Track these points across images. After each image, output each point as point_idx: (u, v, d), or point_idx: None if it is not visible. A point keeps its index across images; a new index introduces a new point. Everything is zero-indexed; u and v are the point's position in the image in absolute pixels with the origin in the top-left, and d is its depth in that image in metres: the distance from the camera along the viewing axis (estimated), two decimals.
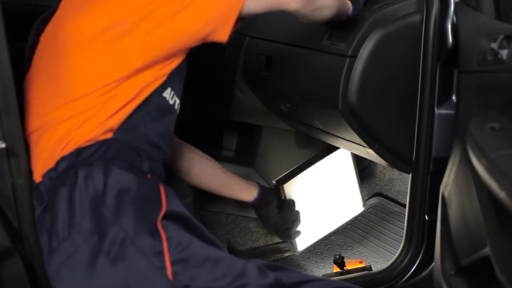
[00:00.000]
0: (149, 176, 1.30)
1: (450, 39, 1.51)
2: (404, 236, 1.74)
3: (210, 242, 1.27)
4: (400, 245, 1.76)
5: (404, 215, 1.74)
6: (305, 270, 2.00)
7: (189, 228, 1.25)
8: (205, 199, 2.08)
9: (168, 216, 1.23)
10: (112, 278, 1.17)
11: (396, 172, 2.36)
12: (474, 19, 1.43)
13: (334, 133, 1.76)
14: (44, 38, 1.43)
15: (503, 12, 1.42)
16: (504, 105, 1.25)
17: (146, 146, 1.31)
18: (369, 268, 1.83)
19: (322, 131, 1.82)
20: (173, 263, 1.18)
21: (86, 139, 1.26)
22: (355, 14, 1.56)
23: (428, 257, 1.70)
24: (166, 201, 1.25)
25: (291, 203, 1.89)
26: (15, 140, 1.25)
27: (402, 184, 2.35)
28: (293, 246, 2.03)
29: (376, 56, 1.50)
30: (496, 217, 1.18)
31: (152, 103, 1.32)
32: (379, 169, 2.42)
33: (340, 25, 1.59)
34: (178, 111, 1.42)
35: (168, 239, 1.20)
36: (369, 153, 1.70)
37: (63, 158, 1.26)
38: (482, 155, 1.12)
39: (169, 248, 1.19)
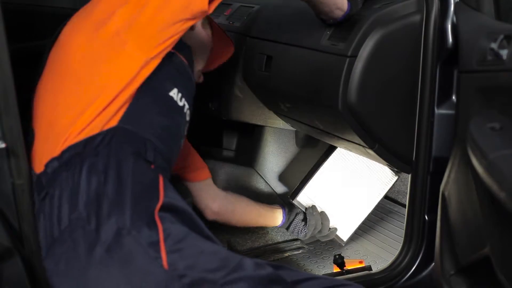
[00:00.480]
0: (153, 166, 1.31)
1: (450, 39, 1.51)
2: (404, 236, 1.74)
3: (207, 237, 1.27)
4: (400, 245, 1.76)
5: (404, 215, 1.74)
6: (305, 270, 2.00)
7: (186, 221, 1.26)
8: None
9: (166, 208, 1.24)
10: (109, 269, 1.17)
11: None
12: (474, 19, 1.43)
13: (334, 133, 1.76)
14: (58, 44, 1.47)
15: (503, 12, 1.43)
16: (504, 105, 1.25)
17: (153, 138, 1.34)
18: (369, 268, 1.83)
19: (322, 131, 1.82)
20: (168, 253, 1.18)
21: (92, 127, 1.28)
22: (355, 14, 1.55)
23: (428, 257, 1.70)
24: (164, 193, 1.26)
25: (312, 209, 1.96)
26: (15, 140, 1.25)
27: (402, 184, 2.35)
28: (338, 240, 2.04)
29: (376, 56, 1.50)
30: (496, 217, 1.19)
31: (158, 97, 1.37)
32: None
33: (339, 25, 1.59)
34: (188, 118, 1.49)
35: (164, 230, 1.20)
36: (369, 153, 1.70)
37: (69, 148, 1.28)
38: (482, 155, 1.12)
39: (165, 239, 1.19)
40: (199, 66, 1.71)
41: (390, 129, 1.62)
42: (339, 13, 1.54)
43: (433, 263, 1.65)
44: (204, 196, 1.85)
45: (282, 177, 2.45)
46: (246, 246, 2.16)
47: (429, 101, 1.57)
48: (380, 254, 2.05)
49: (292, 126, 2.11)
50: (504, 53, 1.24)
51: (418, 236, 1.70)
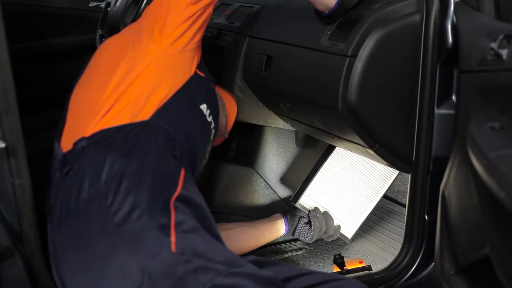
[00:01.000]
0: (177, 160, 1.37)
1: (450, 39, 1.51)
2: (404, 236, 1.74)
3: (216, 237, 1.30)
4: (400, 245, 1.76)
5: (404, 215, 1.74)
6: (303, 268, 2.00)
7: (199, 216, 1.29)
8: (205, 199, 2.08)
9: (182, 199, 1.28)
10: (117, 244, 1.20)
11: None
12: (474, 19, 1.43)
13: (334, 133, 1.76)
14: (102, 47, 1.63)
15: (503, 12, 1.42)
16: (504, 105, 1.25)
17: (181, 138, 1.41)
18: (369, 268, 1.83)
19: (322, 131, 1.82)
20: (178, 238, 1.21)
21: (123, 115, 1.36)
22: (354, 13, 1.56)
23: (428, 257, 1.70)
24: (182, 185, 1.31)
25: (315, 212, 1.96)
26: (15, 140, 1.25)
27: (402, 184, 2.34)
28: (342, 238, 2.04)
29: (376, 56, 1.50)
30: (496, 217, 1.18)
31: (191, 105, 1.48)
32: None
33: (339, 25, 1.59)
34: (212, 138, 1.60)
35: (176, 217, 1.24)
36: (369, 153, 1.70)
37: (101, 131, 1.34)
38: (482, 154, 1.12)
39: (176, 225, 1.22)
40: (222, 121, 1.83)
41: (390, 129, 1.62)
42: (331, 0, 1.55)
43: (433, 263, 1.65)
44: None
45: (282, 177, 2.45)
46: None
47: (429, 101, 1.57)
48: (380, 254, 2.05)
49: (292, 126, 2.11)
50: (504, 52, 1.24)
51: (418, 236, 1.70)
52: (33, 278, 1.34)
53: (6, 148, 1.26)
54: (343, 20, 1.59)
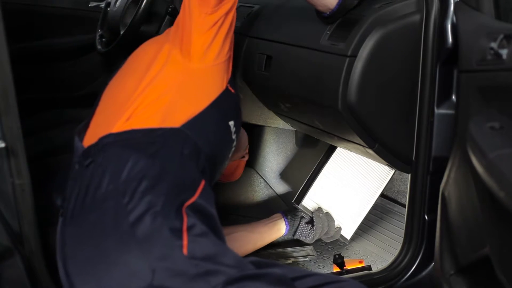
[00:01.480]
0: (199, 171, 1.39)
1: (450, 39, 1.51)
2: (404, 236, 1.74)
3: (224, 241, 1.32)
4: (400, 245, 1.76)
5: (404, 215, 1.74)
6: (304, 269, 2.00)
7: (210, 225, 1.29)
8: None
9: (195, 207, 1.29)
10: (129, 243, 1.20)
11: (396, 172, 2.36)
12: (474, 19, 1.43)
13: (334, 133, 1.76)
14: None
15: (503, 12, 1.42)
16: (504, 105, 1.25)
17: (207, 150, 1.43)
18: (369, 268, 1.83)
19: (322, 131, 1.82)
20: (189, 242, 1.22)
21: (153, 117, 1.38)
22: (354, 13, 1.56)
23: (428, 257, 1.70)
24: (199, 194, 1.32)
25: (318, 212, 1.95)
26: (15, 140, 1.25)
27: (402, 184, 2.34)
28: (342, 239, 2.04)
29: (376, 55, 1.50)
30: (496, 217, 1.18)
31: (221, 121, 1.50)
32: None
33: (339, 24, 1.59)
34: (230, 155, 1.62)
35: (188, 221, 1.24)
36: (369, 153, 1.70)
37: (131, 131, 1.35)
38: (482, 154, 1.12)
39: (188, 229, 1.23)
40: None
41: (390, 129, 1.62)
42: (331, 1, 1.55)
43: (433, 263, 1.65)
44: None
45: (282, 177, 2.45)
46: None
47: (429, 101, 1.57)
48: (380, 254, 2.05)
49: (292, 126, 2.11)
50: (504, 52, 1.24)
51: (418, 236, 1.70)
52: (33, 278, 1.34)
53: (6, 148, 1.26)
54: (343, 20, 1.59)
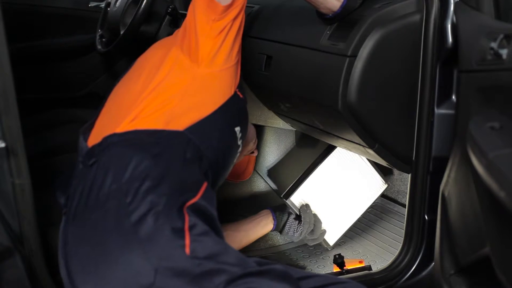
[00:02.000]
0: (202, 174, 1.39)
1: (450, 39, 1.51)
2: (404, 236, 1.74)
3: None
4: (400, 245, 1.76)
5: (404, 215, 1.74)
6: (305, 270, 2.00)
7: (210, 225, 1.30)
8: None
9: (196, 207, 1.29)
10: (131, 242, 1.21)
11: (396, 172, 2.36)
12: (474, 19, 1.43)
13: (334, 133, 1.76)
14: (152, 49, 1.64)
15: (503, 12, 1.42)
16: (504, 104, 1.25)
17: (210, 155, 1.42)
18: (369, 268, 1.83)
19: (322, 131, 1.82)
20: (192, 241, 1.22)
21: (156, 118, 1.38)
22: (354, 10, 1.55)
23: (428, 257, 1.70)
24: (201, 195, 1.32)
25: (306, 208, 1.95)
26: (15, 140, 1.26)
27: (402, 184, 2.34)
28: (324, 244, 2.04)
29: (376, 55, 1.50)
30: (496, 217, 1.18)
31: (227, 127, 1.50)
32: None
33: (339, 24, 1.59)
34: (235, 161, 1.60)
35: (190, 221, 1.25)
36: (369, 153, 1.70)
37: (135, 131, 1.36)
38: (482, 154, 1.12)
39: (190, 228, 1.23)
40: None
41: (390, 129, 1.62)
42: (334, 3, 1.55)
43: (433, 263, 1.65)
44: None
45: (282, 177, 2.45)
46: (246, 248, 2.15)
47: (429, 101, 1.57)
48: (380, 254, 2.05)
49: (292, 126, 2.11)
50: (504, 52, 1.24)
51: (418, 236, 1.70)
52: (33, 278, 1.34)
53: (6, 148, 1.26)
54: (343, 20, 1.59)
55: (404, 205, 1.89)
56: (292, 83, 1.73)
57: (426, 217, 1.67)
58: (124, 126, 1.37)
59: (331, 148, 2.03)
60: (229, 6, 1.43)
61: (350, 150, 1.91)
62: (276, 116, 2.06)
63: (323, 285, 1.27)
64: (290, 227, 1.93)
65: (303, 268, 2.03)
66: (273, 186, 2.43)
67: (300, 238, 1.95)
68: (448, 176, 1.47)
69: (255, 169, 2.39)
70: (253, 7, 2.04)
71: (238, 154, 1.61)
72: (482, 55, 1.31)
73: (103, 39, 2.39)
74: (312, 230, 1.95)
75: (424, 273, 1.73)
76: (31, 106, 2.10)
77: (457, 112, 1.50)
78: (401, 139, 1.63)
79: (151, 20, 2.19)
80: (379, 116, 1.59)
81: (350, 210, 2.06)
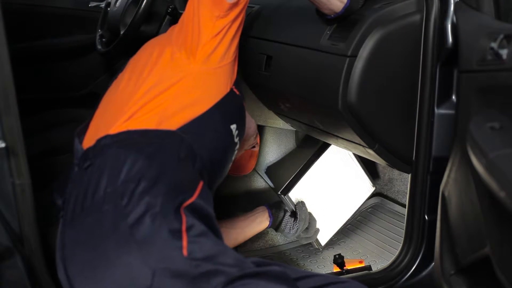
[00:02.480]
0: (197, 173, 1.38)
1: (450, 39, 1.51)
2: (404, 236, 1.74)
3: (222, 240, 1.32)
4: (400, 245, 1.76)
5: (404, 215, 1.74)
6: (304, 270, 2.00)
7: (208, 225, 1.29)
8: None
9: (193, 207, 1.28)
10: (129, 245, 1.20)
11: (396, 172, 2.36)
12: (474, 19, 1.43)
13: (334, 133, 1.76)
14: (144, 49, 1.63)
15: (503, 12, 1.42)
16: (504, 105, 1.25)
17: (204, 154, 1.41)
18: (369, 268, 1.83)
19: (322, 131, 1.82)
20: (189, 242, 1.22)
21: (149, 118, 1.37)
22: (355, 10, 1.55)
23: (428, 257, 1.70)
24: (198, 195, 1.31)
25: (301, 205, 1.96)
26: (15, 140, 1.25)
27: (402, 184, 2.35)
28: (316, 242, 2.04)
29: (376, 55, 1.50)
30: (496, 217, 1.18)
31: (222, 125, 1.48)
32: (379, 169, 2.42)
33: (340, 24, 1.59)
34: (233, 158, 1.59)
35: (187, 222, 1.24)
36: (369, 153, 1.70)
37: (127, 132, 1.35)
38: (482, 154, 1.12)
39: (187, 229, 1.23)
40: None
41: (390, 129, 1.62)
42: (337, 4, 1.55)
43: (433, 263, 1.65)
44: None
45: (281, 177, 2.45)
46: (245, 248, 2.15)
47: (429, 101, 1.57)
48: (380, 254, 2.05)
49: (292, 126, 2.11)
50: (504, 52, 1.24)
51: (418, 236, 1.70)
52: (33, 278, 1.34)
53: (6, 148, 1.26)
54: (343, 20, 1.59)
55: (404, 205, 1.89)
56: (292, 83, 1.73)
57: (426, 217, 1.67)
58: (117, 127, 1.36)
59: (325, 146, 2.05)
60: (235, 4, 1.43)
61: (350, 150, 1.91)
62: (276, 116, 2.06)
63: (322, 285, 1.27)
64: (286, 224, 1.93)
65: (303, 268, 2.03)
66: (270, 183, 2.44)
67: (296, 235, 1.95)
68: (448, 176, 1.47)
69: (256, 170, 2.39)
70: (253, 7, 2.04)
71: (236, 152, 1.60)
72: (482, 55, 1.31)
73: (103, 39, 2.39)
74: (307, 228, 1.96)
75: (424, 273, 1.73)
76: (31, 106, 2.10)
77: (457, 112, 1.50)
78: (401, 139, 1.63)
79: (151, 20, 2.19)
80: (379, 116, 1.59)
81: (341, 211, 2.08)
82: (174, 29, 1.56)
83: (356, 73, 1.50)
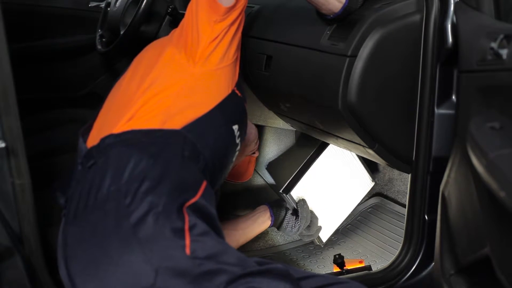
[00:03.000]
0: (200, 173, 1.38)
1: (450, 39, 1.51)
2: (404, 236, 1.74)
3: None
4: (400, 245, 1.76)
5: (404, 215, 1.74)
6: (305, 270, 2.00)
7: (210, 225, 1.30)
8: None
9: (196, 207, 1.29)
10: (131, 243, 1.20)
11: (396, 172, 2.36)
12: (474, 19, 1.43)
13: (334, 133, 1.76)
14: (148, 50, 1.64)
15: (503, 12, 1.42)
16: (504, 105, 1.25)
17: (207, 154, 1.42)
18: (369, 268, 1.83)
19: (322, 131, 1.82)
20: (192, 241, 1.22)
21: (153, 118, 1.38)
22: (355, 10, 1.55)
23: (428, 257, 1.70)
24: (201, 195, 1.31)
25: (303, 203, 1.96)
26: (15, 140, 1.25)
27: (402, 184, 2.35)
28: (318, 241, 2.05)
29: (376, 56, 1.50)
30: (496, 217, 1.18)
31: (224, 125, 1.49)
32: (379, 169, 2.42)
33: (340, 24, 1.59)
34: (234, 159, 1.60)
35: (190, 221, 1.24)
36: (369, 153, 1.70)
37: (131, 131, 1.35)
38: (482, 154, 1.12)
39: (190, 229, 1.23)
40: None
41: (390, 129, 1.62)
42: (336, 4, 1.55)
43: (433, 263, 1.65)
44: None
45: (282, 176, 2.45)
46: (245, 248, 2.15)
47: (429, 101, 1.57)
48: (380, 254, 2.05)
49: (292, 126, 2.11)
50: (504, 52, 1.24)
51: (418, 236, 1.70)
52: (33, 278, 1.34)
53: (6, 148, 1.26)
54: (343, 20, 1.59)
55: (404, 205, 1.89)
56: (292, 83, 1.73)
57: (426, 217, 1.67)
58: (120, 126, 1.37)
59: (324, 145, 2.05)
60: (231, 8, 1.44)
61: (350, 150, 1.91)
62: (276, 116, 2.06)
63: (323, 285, 1.27)
64: (288, 223, 1.93)
65: (303, 268, 2.03)
66: (270, 181, 2.44)
67: (297, 233, 1.95)
68: (448, 176, 1.47)
69: (256, 171, 2.39)
70: (253, 7, 2.05)
71: (237, 153, 1.61)
72: (482, 55, 1.31)
73: (103, 39, 2.39)
74: (309, 226, 1.96)
75: (424, 273, 1.73)
76: (31, 106, 2.10)
77: (457, 112, 1.50)
78: (401, 139, 1.63)
79: (151, 20, 2.19)
80: (379, 116, 1.59)
81: (340, 208, 2.08)
82: (175, 32, 1.57)
83: (356, 73, 1.50)
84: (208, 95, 1.47)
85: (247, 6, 2.09)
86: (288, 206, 1.96)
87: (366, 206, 2.37)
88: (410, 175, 1.68)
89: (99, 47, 2.38)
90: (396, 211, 2.31)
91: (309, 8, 1.64)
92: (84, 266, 1.24)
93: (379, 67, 1.53)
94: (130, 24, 2.15)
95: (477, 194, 1.26)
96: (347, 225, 2.25)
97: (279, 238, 2.24)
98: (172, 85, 1.44)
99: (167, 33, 2.18)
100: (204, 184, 1.35)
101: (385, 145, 1.63)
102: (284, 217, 1.93)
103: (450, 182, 1.46)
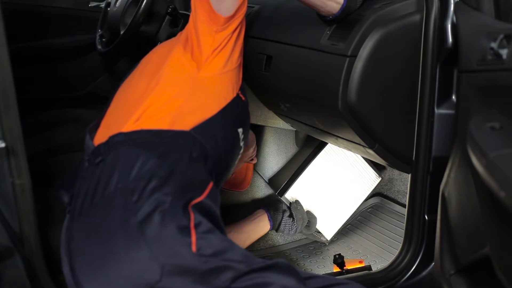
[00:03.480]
0: (207, 173, 1.39)
1: (450, 39, 1.51)
2: (404, 236, 1.74)
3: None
4: (400, 245, 1.76)
5: (404, 215, 1.74)
6: (305, 270, 2.00)
7: (215, 224, 1.30)
8: None
9: (201, 206, 1.29)
10: (137, 240, 1.21)
11: (396, 172, 2.36)
12: (474, 19, 1.43)
13: (334, 133, 1.76)
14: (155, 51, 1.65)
15: (503, 12, 1.42)
16: (504, 105, 1.25)
17: (215, 155, 1.43)
18: (369, 268, 1.83)
19: (322, 131, 1.82)
20: (198, 238, 1.23)
21: (163, 118, 1.38)
22: (354, 11, 1.55)
23: (428, 257, 1.70)
24: (207, 194, 1.32)
25: (296, 205, 1.99)
26: (15, 140, 1.26)
27: (402, 184, 2.34)
28: (321, 237, 2.05)
29: (376, 55, 1.50)
30: (496, 217, 1.18)
31: (230, 128, 1.51)
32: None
33: (339, 24, 1.59)
34: (236, 162, 1.61)
35: (195, 219, 1.25)
36: (369, 153, 1.70)
37: (141, 131, 1.36)
38: (482, 154, 1.12)
39: (195, 226, 1.24)
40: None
41: (390, 129, 1.62)
42: (334, 6, 1.55)
43: (433, 263, 1.65)
44: None
45: (280, 178, 2.45)
46: (246, 248, 2.15)
47: (429, 101, 1.57)
48: (380, 254, 2.05)
49: (292, 126, 2.11)
50: (504, 52, 1.24)
51: (418, 236, 1.70)
52: (33, 278, 1.34)
53: (6, 148, 1.26)
54: (343, 20, 1.59)
55: (404, 205, 1.89)
56: (292, 83, 1.73)
57: (426, 217, 1.67)
58: (129, 125, 1.37)
59: (323, 144, 2.05)
60: (231, 17, 1.45)
61: (350, 150, 1.91)
62: (276, 116, 2.06)
63: (324, 286, 1.27)
64: (285, 226, 1.97)
65: (303, 268, 2.03)
66: (269, 183, 2.44)
67: (296, 233, 1.99)
68: (448, 176, 1.47)
69: (256, 171, 2.39)
70: (253, 7, 2.04)
71: (239, 156, 1.62)
72: (482, 55, 1.31)
73: (103, 39, 2.39)
74: (307, 226, 1.98)
75: (424, 273, 1.73)
76: (31, 106, 2.10)
77: (457, 112, 1.50)
78: (401, 139, 1.63)
79: (151, 20, 2.19)
80: (379, 116, 1.59)
81: (345, 205, 2.08)
82: (182, 35, 1.58)
83: (356, 73, 1.50)
84: (214, 99, 1.48)
85: (247, 6, 2.09)
86: (285, 208, 1.98)
87: (366, 206, 2.37)
88: (410, 175, 1.68)
89: (99, 47, 2.38)
90: (396, 211, 2.31)
91: (309, 8, 1.64)
92: (89, 262, 1.24)
93: (379, 67, 1.53)
94: (130, 24, 2.15)
95: (477, 194, 1.26)
96: (347, 225, 2.25)
97: (279, 238, 2.24)
98: (181, 86, 1.45)
99: (167, 33, 2.19)
100: (211, 184, 1.36)
101: (385, 145, 1.63)
102: (281, 220, 1.97)
103: (450, 182, 1.46)
